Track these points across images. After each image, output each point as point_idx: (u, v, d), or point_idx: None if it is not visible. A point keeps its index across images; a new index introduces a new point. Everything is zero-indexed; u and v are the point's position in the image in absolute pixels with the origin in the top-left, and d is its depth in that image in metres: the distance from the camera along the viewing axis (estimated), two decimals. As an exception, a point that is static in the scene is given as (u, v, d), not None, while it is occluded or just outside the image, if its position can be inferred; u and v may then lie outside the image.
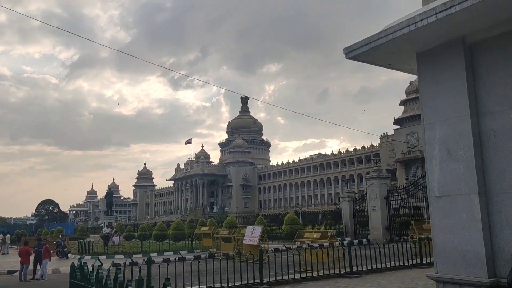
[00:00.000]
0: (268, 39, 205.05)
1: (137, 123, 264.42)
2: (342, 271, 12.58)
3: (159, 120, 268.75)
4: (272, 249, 18.47)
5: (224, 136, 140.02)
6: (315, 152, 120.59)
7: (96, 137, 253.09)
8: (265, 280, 11.14)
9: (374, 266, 13.24)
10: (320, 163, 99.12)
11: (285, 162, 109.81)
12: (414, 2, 5.44)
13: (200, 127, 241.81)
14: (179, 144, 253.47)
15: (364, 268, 13.06)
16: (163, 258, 18.96)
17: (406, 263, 14.08)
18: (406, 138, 77.64)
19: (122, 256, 23.79)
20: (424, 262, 14.33)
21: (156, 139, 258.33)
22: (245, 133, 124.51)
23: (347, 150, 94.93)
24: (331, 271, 12.45)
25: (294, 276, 11.76)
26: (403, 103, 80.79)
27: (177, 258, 15.98)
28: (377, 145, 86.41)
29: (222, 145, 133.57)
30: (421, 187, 28.43)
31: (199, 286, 10.03)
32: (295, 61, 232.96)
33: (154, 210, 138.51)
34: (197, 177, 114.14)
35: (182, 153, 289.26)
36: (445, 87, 4.92)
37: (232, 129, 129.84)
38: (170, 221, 73.89)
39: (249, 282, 10.92)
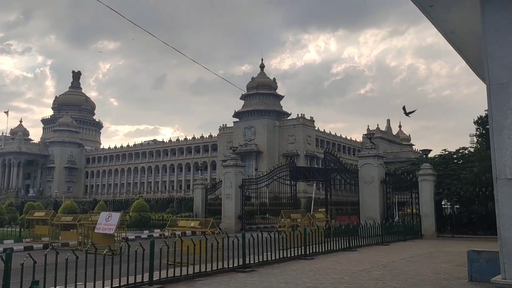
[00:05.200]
0: (104, 13, 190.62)
1: None
2: (236, 265, 11.12)
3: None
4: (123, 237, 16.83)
5: (47, 113, 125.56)
6: (148, 138, 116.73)
7: None
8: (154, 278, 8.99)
9: (261, 258, 12.05)
10: (156, 149, 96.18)
11: (117, 146, 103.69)
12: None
13: (17, 100, 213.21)
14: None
15: (253, 261, 11.78)
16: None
17: (288, 255, 13.28)
18: (244, 131, 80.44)
19: None
20: (308, 253, 13.77)
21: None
22: (75, 111, 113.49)
23: (185, 139, 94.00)
24: (225, 265, 10.89)
25: (187, 273, 9.87)
26: (243, 97, 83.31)
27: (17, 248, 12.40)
28: (216, 136, 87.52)
29: (45, 121, 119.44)
30: (276, 177, 28.83)
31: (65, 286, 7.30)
32: (135, 43, 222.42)
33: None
34: (11, 155, 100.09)
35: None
36: (532, 38, 3.85)
37: (60, 105, 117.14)
38: (-25, 204, 62.69)
39: (136, 281, 8.63)
